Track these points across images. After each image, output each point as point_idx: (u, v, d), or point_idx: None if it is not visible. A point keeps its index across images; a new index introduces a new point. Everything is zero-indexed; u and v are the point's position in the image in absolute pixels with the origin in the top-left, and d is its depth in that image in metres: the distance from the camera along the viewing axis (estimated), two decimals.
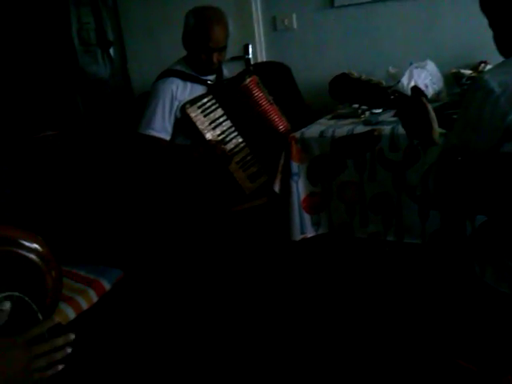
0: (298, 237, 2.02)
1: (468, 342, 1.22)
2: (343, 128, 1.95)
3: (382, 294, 1.98)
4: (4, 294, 0.85)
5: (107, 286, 1.51)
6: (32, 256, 0.97)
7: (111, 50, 3.26)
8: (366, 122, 1.96)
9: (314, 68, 2.75)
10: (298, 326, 1.95)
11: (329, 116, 2.25)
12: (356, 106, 2.07)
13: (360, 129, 1.91)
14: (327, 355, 1.78)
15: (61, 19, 3.14)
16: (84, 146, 3.20)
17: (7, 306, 0.81)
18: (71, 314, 1.34)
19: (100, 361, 1.26)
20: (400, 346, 1.73)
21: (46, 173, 2.89)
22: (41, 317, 0.89)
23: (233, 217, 2.17)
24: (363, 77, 1.51)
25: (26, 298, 0.88)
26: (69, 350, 0.85)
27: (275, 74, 2.36)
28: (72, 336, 0.86)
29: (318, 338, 1.87)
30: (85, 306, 1.40)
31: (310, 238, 2.04)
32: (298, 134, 2.00)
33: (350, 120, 2.08)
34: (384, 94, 1.35)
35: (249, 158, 2.22)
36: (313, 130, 2.01)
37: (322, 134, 1.95)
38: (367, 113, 2.07)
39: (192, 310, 2.06)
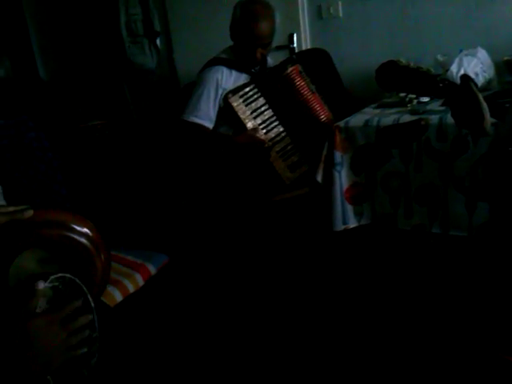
0: (339, 227, 2.01)
1: None
2: (389, 117, 1.92)
3: (425, 288, 1.94)
4: (56, 276, 0.88)
5: (153, 270, 1.56)
6: (82, 240, 1.00)
7: (158, 41, 3.31)
8: (412, 111, 1.92)
9: (359, 56, 2.71)
10: (339, 318, 1.94)
11: (374, 105, 2.21)
12: (403, 94, 2.03)
13: (406, 118, 1.87)
14: (370, 347, 1.76)
15: (110, 11, 3.21)
16: (131, 135, 3.28)
17: (41, 285, 0.84)
18: (118, 297, 1.39)
19: (142, 343, 1.30)
20: (444, 341, 1.70)
21: (94, 161, 2.98)
22: (90, 298, 0.92)
23: (274, 207, 2.17)
24: (411, 64, 1.46)
25: (77, 280, 0.91)
26: (86, 333, 0.87)
27: (317, 62, 2.34)
28: (90, 316, 0.89)
29: (359, 332, 1.86)
30: (131, 289, 1.45)
31: (352, 228, 2.02)
32: (342, 123, 1.98)
33: (396, 109, 2.04)
34: (433, 82, 1.31)
35: (289, 147, 2.22)
36: (357, 119, 1.99)
37: (366, 123, 1.92)
38: (414, 101, 2.02)
39: (232, 297, 2.09)
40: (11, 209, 0.94)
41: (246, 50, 2.16)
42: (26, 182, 1.67)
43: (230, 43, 2.30)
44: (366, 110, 2.16)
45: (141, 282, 1.49)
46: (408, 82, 1.34)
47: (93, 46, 3.35)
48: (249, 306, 2.04)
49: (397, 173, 1.90)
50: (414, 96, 2.02)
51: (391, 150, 1.89)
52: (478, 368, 1.47)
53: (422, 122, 1.80)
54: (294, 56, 2.34)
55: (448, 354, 1.62)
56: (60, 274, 0.89)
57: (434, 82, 1.30)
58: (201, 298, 1.99)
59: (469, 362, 1.53)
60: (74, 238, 0.99)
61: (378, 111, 2.08)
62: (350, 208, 2.00)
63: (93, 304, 0.92)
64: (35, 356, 0.76)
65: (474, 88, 1.23)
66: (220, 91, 2.17)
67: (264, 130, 2.19)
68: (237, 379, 1.64)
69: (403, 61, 1.94)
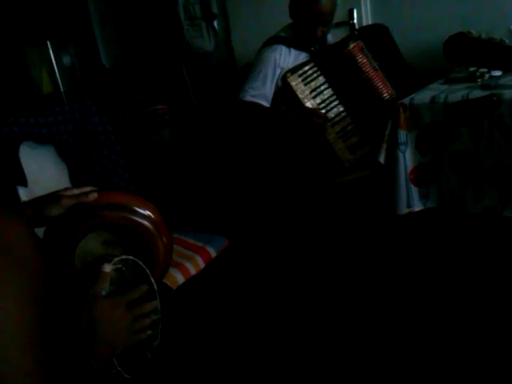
0: (403, 211, 1.92)
1: None
2: (457, 93, 1.80)
3: (498, 276, 1.83)
4: (120, 258, 0.89)
5: (213, 253, 1.57)
6: (145, 222, 1.00)
7: (215, 23, 3.30)
8: (483, 86, 1.79)
9: (424, 29, 2.57)
10: (406, 309, 1.88)
11: (441, 80, 2.09)
12: (473, 68, 1.91)
13: (477, 93, 1.75)
14: (431, 339, 1.70)
15: None
16: (191, 119, 3.31)
17: (108, 268, 0.85)
18: (180, 279, 1.41)
19: (202, 325, 1.31)
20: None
21: (155, 145, 3.04)
22: (153, 281, 0.93)
23: (333, 189, 2.12)
24: (483, 36, 1.36)
25: (140, 262, 0.92)
26: (154, 317, 0.87)
27: (380, 38, 2.23)
28: (157, 303, 0.89)
29: (426, 320, 1.79)
30: (193, 271, 1.46)
31: (417, 212, 1.93)
32: (406, 101, 1.88)
33: (465, 84, 1.92)
34: (507, 54, 1.22)
35: (349, 127, 2.15)
36: (423, 96, 1.88)
37: (433, 99, 1.82)
38: (486, 76, 1.89)
39: (292, 282, 2.07)
40: (77, 191, 0.96)
41: (306, 28, 2.11)
42: (90, 165, 1.73)
43: (288, 23, 2.25)
44: (433, 85, 2.04)
45: (202, 264, 1.50)
46: (479, 54, 1.25)
47: (152, 31, 3.39)
48: (306, 292, 2.01)
49: (466, 152, 1.79)
50: (485, 70, 1.89)
51: (460, 128, 1.78)
52: None
53: (495, 98, 1.68)
54: (356, 32, 2.25)
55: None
56: (124, 256, 0.90)
57: (508, 54, 1.21)
58: (260, 282, 1.99)
59: None
60: (137, 221, 1.00)
61: (445, 87, 1.96)
62: (415, 190, 1.91)
63: (155, 286, 0.93)
64: (102, 338, 0.77)
65: None
66: (278, 71, 2.14)
67: (323, 110, 2.14)
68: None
69: (473, 32, 1.82)
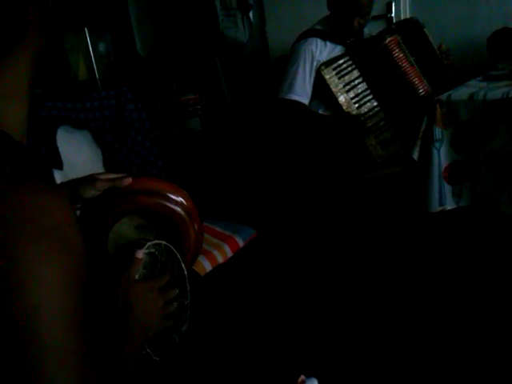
0: (436, 209, 1.88)
1: None
2: (497, 90, 1.75)
3: None
4: (153, 242, 0.90)
5: (241, 243, 1.57)
6: (177, 209, 1.01)
7: (251, 14, 3.29)
8: None
9: (464, 25, 2.49)
10: (431, 304, 1.85)
11: (479, 77, 2.04)
12: None
13: None
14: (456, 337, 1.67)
15: None
16: (222, 109, 3.32)
17: (140, 254, 0.86)
18: (208, 267, 1.42)
19: (229, 313, 1.32)
20: None
21: (187, 134, 3.06)
22: (184, 266, 0.94)
23: (365, 184, 2.10)
24: None
25: (172, 248, 0.93)
26: (173, 307, 0.88)
27: (417, 32, 2.18)
28: (177, 291, 0.89)
29: (457, 320, 1.76)
30: (220, 260, 1.47)
31: (450, 210, 1.89)
32: (443, 97, 1.84)
33: (506, 82, 1.86)
34: None
35: (382, 123, 2.12)
36: (461, 93, 1.84)
37: (472, 96, 1.77)
38: None
39: (317, 276, 2.06)
40: (112, 176, 0.97)
41: (343, 19, 2.08)
42: (124, 151, 1.75)
43: (324, 15, 2.22)
44: (471, 82, 1.99)
45: (229, 253, 1.51)
46: None
47: (187, 21, 3.40)
48: (332, 287, 2.00)
49: (503, 151, 1.74)
50: None
51: (498, 126, 1.73)
52: None
53: None
54: (393, 26, 2.21)
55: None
56: (156, 241, 0.91)
57: None
58: (286, 276, 1.99)
59: None
60: (169, 207, 1.01)
61: (484, 84, 1.91)
62: (448, 188, 1.87)
63: (186, 271, 0.94)
64: (137, 321, 0.78)
65: None
66: (315, 64, 2.12)
67: (356, 105, 2.11)
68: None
69: None
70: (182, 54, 3.41)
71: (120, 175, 0.97)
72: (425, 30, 2.14)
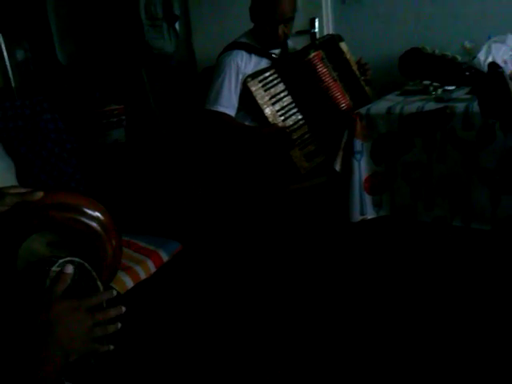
0: (357, 218, 1.94)
1: None
2: (412, 105, 1.85)
3: (446, 281, 1.89)
4: (65, 259, 0.86)
5: (165, 257, 1.53)
6: (93, 224, 0.98)
7: (177, 24, 3.27)
8: (437, 99, 1.85)
9: (383, 42, 2.63)
10: (353, 311, 1.90)
11: (397, 92, 2.15)
12: (427, 82, 1.96)
13: (431, 106, 1.80)
14: (388, 339, 1.73)
15: None
16: (148, 120, 3.26)
17: (70, 269, 0.82)
18: (129, 283, 1.37)
19: (151, 331, 1.28)
20: (463, 337, 1.65)
21: (109, 146, 2.97)
22: (100, 284, 0.90)
23: (289, 196, 2.13)
24: (436, 52, 1.40)
25: (86, 265, 0.90)
26: (119, 326, 0.84)
27: (336, 48, 2.26)
28: (123, 309, 0.86)
29: (374, 324, 1.82)
30: (143, 275, 1.42)
31: (370, 219, 1.96)
32: (363, 110, 1.91)
33: (420, 96, 1.97)
34: (459, 69, 1.25)
35: (307, 136, 2.17)
36: (379, 107, 1.92)
37: (389, 110, 1.86)
38: (439, 90, 1.95)
39: (244, 288, 2.06)
40: (21, 190, 0.92)
41: (267, 28, 2.11)
42: (39, 163, 1.66)
43: (250, 27, 2.25)
44: (389, 97, 2.09)
45: (153, 268, 1.46)
46: (433, 70, 1.28)
47: (111, 30, 3.32)
48: (260, 297, 2.01)
49: (419, 163, 1.84)
50: (438, 84, 1.95)
51: (414, 138, 1.82)
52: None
53: (448, 110, 1.73)
54: (317, 41, 2.28)
55: (471, 352, 1.58)
56: (69, 258, 0.88)
57: (460, 71, 1.24)
58: (212, 287, 1.97)
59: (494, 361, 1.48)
60: (84, 222, 0.97)
61: (401, 98, 2.01)
62: (368, 198, 1.94)
63: (102, 289, 0.90)
64: (56, 342, 0.72)
65: (504, 76, 1.17)
66: (240, 76, 2.13)
67: (282, 117, 2.14)
68: (242, 370, 1.61)
69: (428, 48, 1.87)
70: (105, 64, 3.32)
71: (30, 189, 0.92)
72: (340, 45, 2.21)
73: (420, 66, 1.29)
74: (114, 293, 0.87)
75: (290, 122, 2.15)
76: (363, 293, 1.97)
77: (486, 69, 1.23)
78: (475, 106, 1.62)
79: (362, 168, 1.91)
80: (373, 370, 1.59)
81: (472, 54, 2.12)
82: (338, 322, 1.85)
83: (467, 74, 1.23)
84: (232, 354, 1.67)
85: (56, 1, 3.42)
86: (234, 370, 1.59)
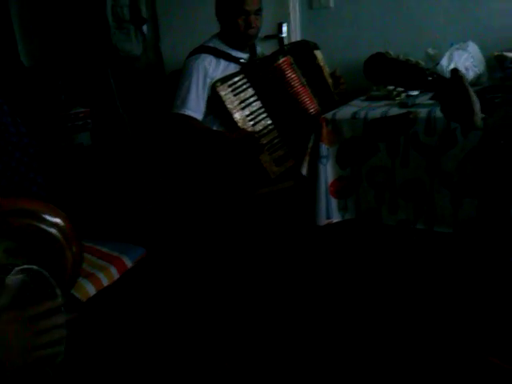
0: (323, 222, 1.96)
1: (503, 338, 1.16)
2: (377, 110, 1.88)
3: (409, 283, 1.92)
4: (22, 267, 0.84)
5: (129, 263, 1.51)
6: (53, 230, 0.96)
7: (144, 27, 3.23)
8: (401, 105, 1.88)
9: (349, 48, 2.66)
10: (319, 314, 1.92)
11: (362, 97, 2.18)
12: (391, 87, 2.00)
13: (395, 111, 1.83)
14: (348, 345, 1.74)
15: None
16: (114, 123, 3.21)
17: (10, 281, 0.80)
18: (91, 290, 1.34)
19: (115, 338, 1.26)
20: (426, 340, 1.68)
21: (74, 150, 2.91)
22: (59, 292, 0.88)
23: (257, 200, 2.13)
24: (400, 57, 1.43)
25: (44, 272, 0.87)
26: (64, 332, 0.83)
27: (309, 54, 2.28)
28: (64, 318, 0.84)
29: (340, 328, 1.84)
30: (105, 282, 1.39)
31: (336, 223, 1.99)
32: (329, 115, 1.93)
33: (385, 102, 2.00)
34: (422, 75, 1.27)
35: (276, 141, 2.17)
36: (345, 112, 1.95)
37: (354, 115, 1.88)
38: (403, 95, 1.99)
39: (212, 293, 2.05)
40: None
41: (237, 22, 2.11)
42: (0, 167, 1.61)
43: (218, 31, 2.24)
44: (354, 102, 2.12)
45: (116, 275, 1.44)
46: (396, 75, 1.30)
47: (77, 32, 3.26)
48: (228, 301, 2.00)
49: (383, 167, 1.87)
50: (402, 89, 1.99)
51: (378, 143, 1.85)
52: (463, 370, 1.45)
53: (411, 116, 1.77)
54: (286, 47, 2.29)
55: (431, 356, 1.60)
56: (26, 266, 0.85)
57: (423, 76, 1.26)
58: (177, 293, 1.95)
59: (456, 364, 1.51)
60: (43, 229, 0.95)
61: (365, 104, 2.04)
62: (334, 202, 1.96)
63: (61, 298, 0.88)
64: None
65: (465, 81, 1.20)
66: (208, 80, 2.12)
67: (251, 122, 2.14)
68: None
69: (392, 53, 1.90)
70: (71, 66, 3.26)
71: None
72: (315, 52, 2.23)
73: (384, 71, 1.31)
74: (59, 300, 0.85)
75: (259, 126, 2.15)
76: (329, 295, 1.99)
77: (448, 75, 1.27)
78: (437, 112, 1.66)
79: (327, 172, 1.93)
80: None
81: (435, 60, 2.18)
82: (302, 326, 1.86)
83: (430, 79, 1.25)
84: (197, 359, 1.65)
85: (19, 1, 3.34)
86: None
